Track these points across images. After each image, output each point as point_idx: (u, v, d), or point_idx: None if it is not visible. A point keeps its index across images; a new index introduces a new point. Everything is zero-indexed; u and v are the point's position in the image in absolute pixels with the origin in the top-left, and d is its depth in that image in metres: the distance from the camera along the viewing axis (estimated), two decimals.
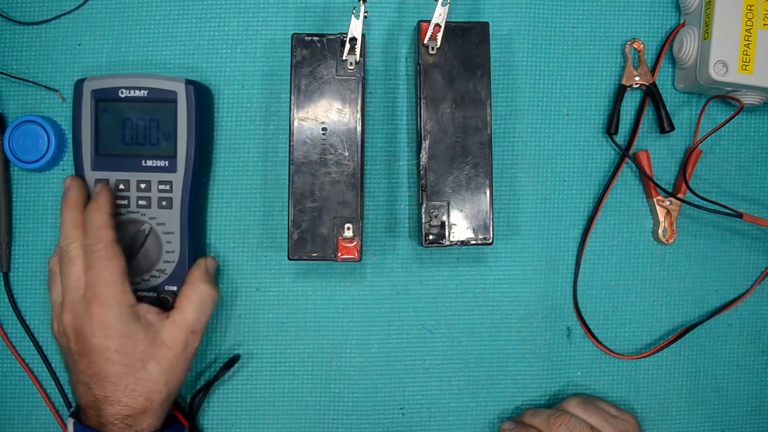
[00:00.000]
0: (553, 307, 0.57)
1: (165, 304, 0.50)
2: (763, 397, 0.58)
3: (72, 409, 0.49)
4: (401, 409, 0.56)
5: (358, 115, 0.50)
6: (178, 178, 0.51)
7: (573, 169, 0.57)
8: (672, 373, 0.57)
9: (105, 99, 0.51)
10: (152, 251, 0.51)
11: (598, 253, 0.57)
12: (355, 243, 0.49)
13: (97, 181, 0.51)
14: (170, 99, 0.50)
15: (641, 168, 0.56)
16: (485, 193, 0.50)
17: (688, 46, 0.54)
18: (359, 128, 0.50)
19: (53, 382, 0.55)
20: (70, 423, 0.47)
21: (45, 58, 0.55)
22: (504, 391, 0.57)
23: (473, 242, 0.50)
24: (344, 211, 0.49)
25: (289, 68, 0.50)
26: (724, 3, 0.51)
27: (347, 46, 0.49)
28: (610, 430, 0.51)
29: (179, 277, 0.51)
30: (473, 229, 0.50)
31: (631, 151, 0.56)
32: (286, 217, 0.52)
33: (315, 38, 0.50)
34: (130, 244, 0.50)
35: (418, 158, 0.50)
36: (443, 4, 0.48)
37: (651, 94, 0.56)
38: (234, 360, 0.54)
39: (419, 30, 0.50)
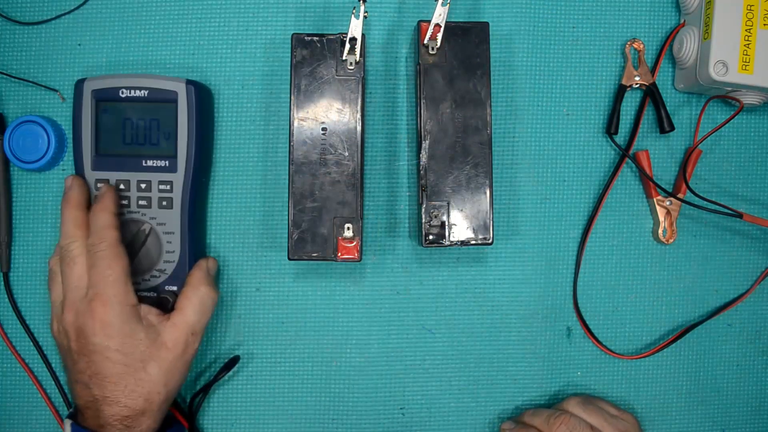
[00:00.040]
0: (553, 307, 0.57)
1: (165, 304, 0.50)
2: (763, 397, 0.58)
3: (70, 411, 0.49)
4: (401, 409, 0.56)
5: (358, 115, 0.50)
6: (178, 178, 0.51)
7: (573, 169, 0.57)
8: (672, 373, 0.57)
9: (105, 99, 0.51)
10: (152, 251, 0.51)
11: (598, 253, 0.57)
12: (355, 243, 0.49)
13: (98, 181, 0.51)
14: (171, 99, 0.50)
15: (641, 168, 0.56)
16: (485, 193, 0.50)
17: (688, 46, 0.54)
18: (359, 128, 0.50)
19: (53, 382, 0.55)
20: (68, 424, 0.47)
21: (45, 58, 0.55)
22: (504, 391, 0.57)
23: (473, 242, 0.50)
24: (344, 211, 0.49)
25: (289, 68, 0.50)
26: (724, 3, 0.51)
27: (347, 46, 0.49)
28: (610, 430, 0.51)
29: (179, 277, 0.51)
30: (473, 229, 0.50)
31: (631, 151, 0.56)
32: (286, 217, 0.52)
33: (315, 38, 0.50)
34: (131, 244, 0.50)
35: (418, 158, 0.50)
36: (443, 4, 0.48)
37: (651, 94, 0.56)
38: (234, 361, 0.54)
39: (419, 30, 0.50)
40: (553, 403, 0.55)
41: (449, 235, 0.50)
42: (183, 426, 0.53)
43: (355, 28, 0.48)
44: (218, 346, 0.56)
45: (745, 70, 0.51)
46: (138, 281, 0.51)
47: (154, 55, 0.55)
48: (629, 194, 0.57)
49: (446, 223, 0.50)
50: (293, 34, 0.50)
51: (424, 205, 0.50)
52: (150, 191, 0.51)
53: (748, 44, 0.51)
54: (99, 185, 0.51)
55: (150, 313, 0.48)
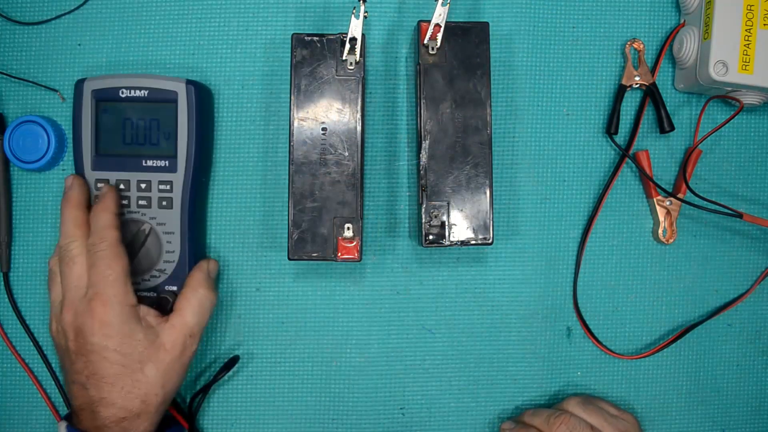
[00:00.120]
0: (553, 307, 0.57)
1: (165, 304, 0.50)
2: (763, 397, 0.58)
3: (66, 413, 0.49)
4: (401, 409, 0.56)
5: (358, 115, 0.50)
6: (178, 178, 0.51)
7: (573, 169, 0.57)
8: (672, 373, 0.57)
9: (105, 99, 0.51)
10: (152, 251, 0.51)
11: (598, 253, 0.57)
12: (355, 243, 0.49)
13: (98, 180, 0.51)
14: (171, 99, 0.50)
15: (641, 168, 0.56)
16: (485, 193, 0.50)
17: (688, 46, 0.54)
18: (359, 128, 0.50)
19: (53, 382, 0.55)
20: (62, 426, 0.46)
21: (45, 58, 0.55)
22: (504, 391, 0.57)
23: (473, 242, 0.50)
24: (344, 211, 0.49)
25: (289, 68, 0.50)
26: (724, 3, 0.51)
27: (347, 46, 0.49)
28: (610, 430, 0.51)
29: (179, 277, 0.51)
30: (473, 229, 0.50)
31: (631, 151, 0.56)
32: (286, 217, 0.52)
33: (315, 38, 0.50)
34: (131, 244, 0.50)
35: (418, 158, 0.50)
36: (443, 4, 0.48)
37: (651, 94, 0.56)
38: (233, 361, 0.54)
39: (419, 30, 0.50)
40: (553, 403, 0.55)
41: (449, 235, 0.50)
42: (182, 426, 0.52)
43: (355, 28, 0.48)
44: (218, 346, 0.56)
45: (745, 70, 0.51)
46: (138, 281, 0.51)
47: (154, 55, 0.55)
48: (629, 194, 0.57)
49: (446, 223, 0.50)
50: (293, 34, 0.50)
51: (424, 205, 0.50)
52: (150, 191, 0.51)
53: (748, 44, 0.51)
54: (99, 185, 0.51)
55: (149, 314, 0.48)
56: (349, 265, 0.56)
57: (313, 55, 0.50)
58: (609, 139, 0.57)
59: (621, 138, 0.57)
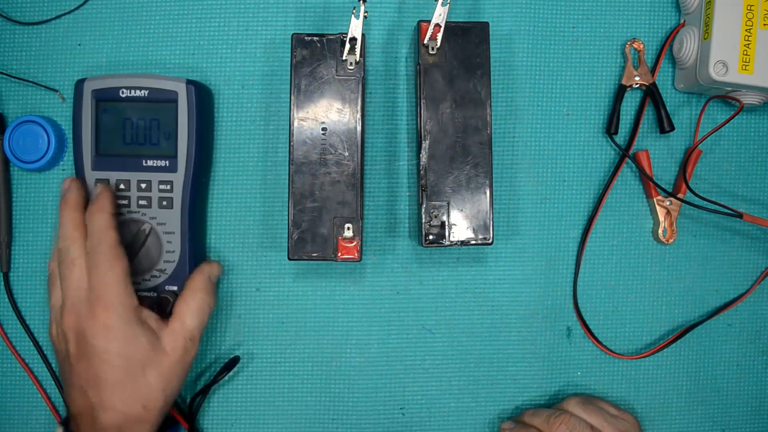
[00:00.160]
0: (553, 307, 0.57)
1: (165, 304, 0.50)
2: (763, 397, 0.58)
3: (63, 418, 0.48)
4: (401, 409, 0.56)
5: (358, 115, 0.50)
6: (178, 178, 0.51)
7: (573, 169, 0.57)
8: (672, 373, 0.57)
9: (105, 99, 0.51)
10: (153, 251, 0.51)
11: (598, 253, 0.57)
12: (355, 243, 0.49)
13: (98, 180, 0.51)
14: (171, 99, 0.50)
15: (641, 168, 0.56)
16: (485, 193, 0.50)
17: (688, 46, 0.54)
18: (359, 128, 0.50)
19: (53, 382, 0.55)
20: (59, 431, 0.46)
21: (45, 58, 0.55)
22: (504, 391, 0.57)
23: (473, 242, 0.50)
24: (344, 211, 0.49)
25: (289, 68, 0.50)
26: (724, 3, 0.51)
27: (347, 46, 0.49)
28: (610, 430, 0.51)
29: (180, 277, 0.51)
30: (473, 229, 0.50)
31: (631, 151, 0.56)
32: (286, 217, 0.52)
33: (315, 38, 0.50)
34: (131, 244, 0.50)
35: (418, 158, 0.50)
36: (443, 4, 0.48)
37: (651, 94, 0.56)
38: (234, 361, 0.54)
39: (419, 30, 0.50)
40: (553, 403, 0.55)
41: (449, 235, 0.50)
42: (182, 426, 0.52)
43: (355, 28, 0.48)
44: (218, 347, 0.56)
45: (745, 70, 0.51)
46: (138, 281, 0.51)
47: (154, 55, 0.55)
48: (629, 194, 0.57)
49: (446, 223, 0.50)
50: (293, 34, 0.50)
51: (424, 205, 0.50)
52: (150, 191, 0.51)
53: (748, 44, 0.51)
54: (99, 185, 0.51)
55: (149, 317, 0.47)
56: (349, 265, 0.56)
57: (313, 55, 0.50)
58: (609, 139, 0.57)
59: (621, 138, 0.57)
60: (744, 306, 0.57)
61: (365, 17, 0.47)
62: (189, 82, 0.51)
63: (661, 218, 0.56)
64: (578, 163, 0.57)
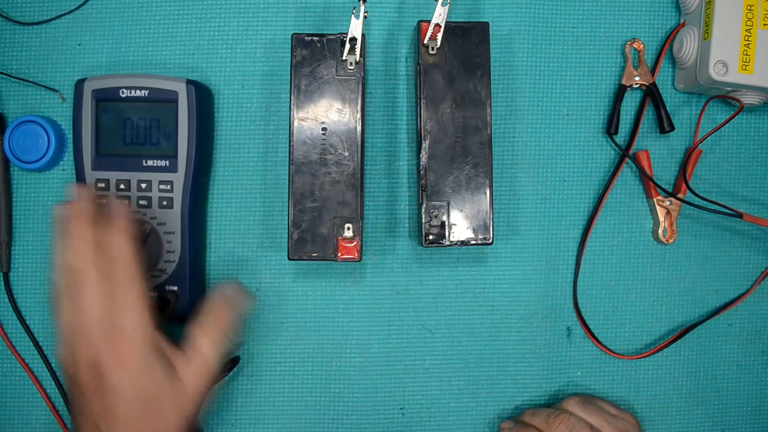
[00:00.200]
0: (553, 307, 0.57)
1: (165, 303, 0.50)
2: (763, 397, 0.58)
3: None
4: (401, 409, 0.56)
5: (358, 115, 0.50)
6: (178, 178, 0.51)
7: (573, 169, 0.57)
8: (672, 373, 0.57)
9: (106, 99, 0.51)
10: (153, 251, 0.51)
11: (598, 253, 0.57)
12: (355, 243, 0.49)
13: (98, 180, 0.51)
14: (171, 99, 0.50)
15: (641, 168, 0.56)
16: (485, 193, 0.50)
17: (688, 46, 0.54)
18: (359, 128, 0.50)
19: (53, 382, 0.55)
20: None
21: (45, 58, 0.55)
22: (504, 391, 0.57)
23: (473, 242, 0.50)
24: (344, 211, 0.49)
25: (289, 68, 0.50)
26: (724, 3, 0.51)
27: (347, 46, 0.49)
28: (609, 430, 0.51)
29: (180, 276, 0.51)
30: (473, 229, 0.50)
31: (631, 151, 0.56)
32: (286, 217, 0.52)
33: (315, 38, 0.50)
34: None
35: (418, 158, 0.50)
36: (443, 4, 0.48)
37: (651, 94, 0.56)
38: (234, 362, 0.54)
39: (419, 30, 0.50)
40: (553, 403, 0.55)
41: (449, 235, 0.50)
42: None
43: (355, 28, 0.48)
44: None
45: (745, 70, 0.51)
46: None
47: (154, 55, 0.55)
48: (629, 194, 0.57)
49: (446, 223, 0.50)
50: (293, 34, 0.50)
51: (424, 205, 0.50)
52: (150, 191, 0.51)
53: (748, 44, 0.51)
54: (99, 185, 0.51)
55: (167, 348, 0.45)
56: (349, 265, 0.56)
57: (313, 55, 0.50)
58: (609, 139, 0.57)
59: (621, 138, 0.57)
60: (744, 306, 0.57)
61: (365, 17, 0.47)
62: (189, 82, 0.51)
63: (661, 218, 0.56)
64: (578, 163, 0.57)
